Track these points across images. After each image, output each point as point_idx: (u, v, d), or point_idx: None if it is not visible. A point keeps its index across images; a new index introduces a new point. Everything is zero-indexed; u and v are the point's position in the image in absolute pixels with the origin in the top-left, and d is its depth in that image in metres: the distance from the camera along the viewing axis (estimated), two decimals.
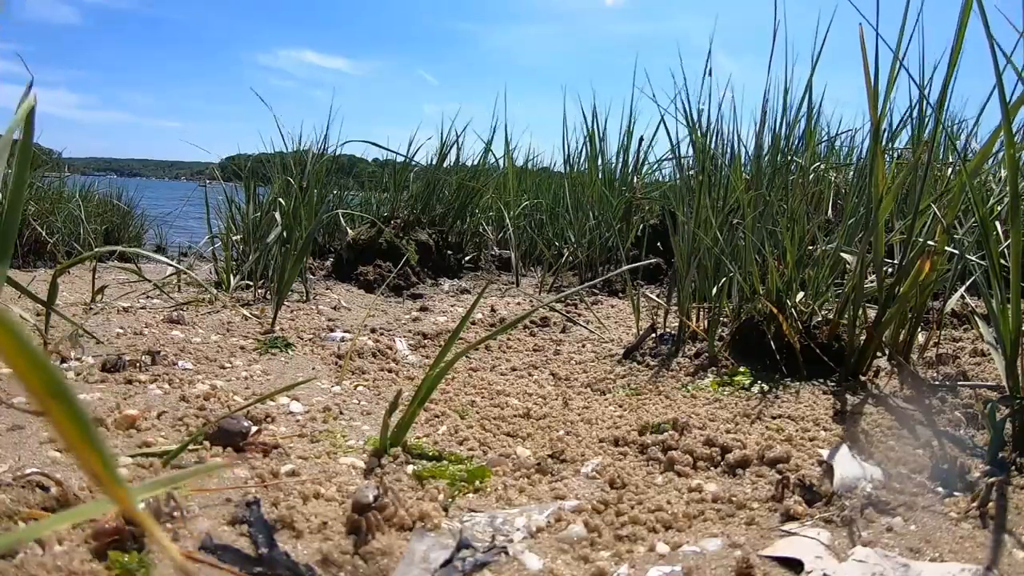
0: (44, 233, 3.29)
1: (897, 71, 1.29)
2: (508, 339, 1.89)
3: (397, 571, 0.71)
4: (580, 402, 1.34)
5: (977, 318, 1.30)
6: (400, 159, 3.46)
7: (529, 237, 3.58)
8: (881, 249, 1.33)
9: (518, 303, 2.53)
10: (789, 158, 1.89)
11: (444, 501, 0.88)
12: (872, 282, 1.38)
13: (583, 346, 1.84)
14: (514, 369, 1.61)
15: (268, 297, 2.36)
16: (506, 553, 0.76)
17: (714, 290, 1.64)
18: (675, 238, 1.78)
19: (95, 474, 0.29)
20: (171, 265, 2.37)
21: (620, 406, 1.31)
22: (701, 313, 1.73)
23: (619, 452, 1.07)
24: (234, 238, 2.82)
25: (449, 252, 3.23)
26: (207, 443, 1.00)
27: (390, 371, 1.56)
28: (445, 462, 1.00)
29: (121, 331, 1.69)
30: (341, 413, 1.24)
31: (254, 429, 1.04)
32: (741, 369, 1.45)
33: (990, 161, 2.08)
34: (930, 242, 1.27)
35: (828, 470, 0.94)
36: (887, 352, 1.41)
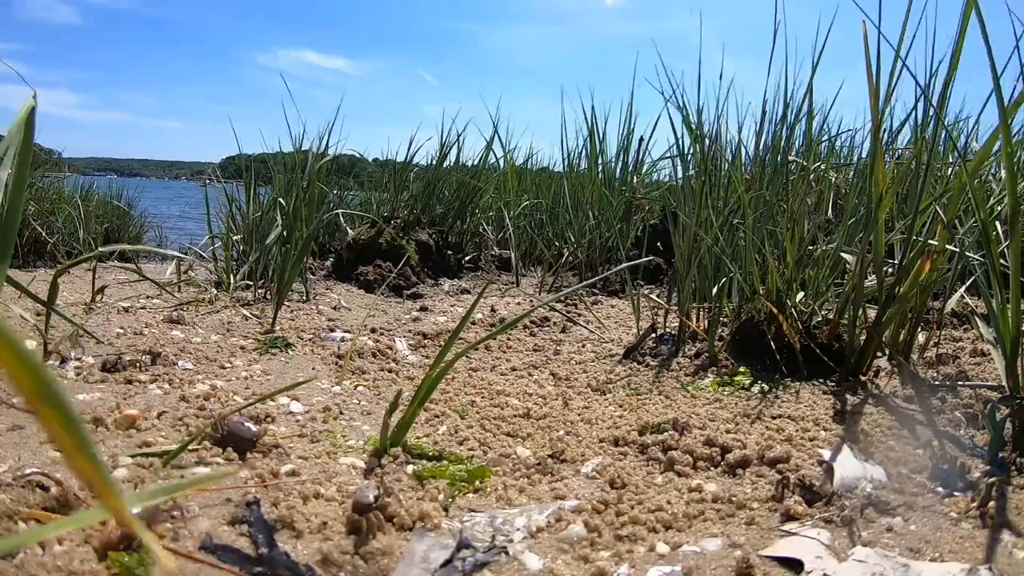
0: (44, 233, 3.29)
1: (899, 71, 1.29)
2: (508, 339, 1.89)
3: (397, 571, 0.71)
4: (580, 402, 1.34)
5: (977, 318, 1.30)
6: (400, 159, 3.47)
7: (529, 237, 3.58)
8: (881, 249, 1.33)
9: (518, 303, 2.53)
10: (789, 158, 1.90)
11: (444, 501, 0.88)
12: (872, 282, 1.38)
13: (583, 346, 1.84)
14: (514, 369, 1.61)
15: (268, 297, 2.36)
16: (506, 553, 0.76)
17: (714, 290, 1.64)
18: (675, 238, 1.78)
19: (87, 479, 0.29)
20: (174, 255, 2.37)
21: (620, 406, 1.31)
22: (701, 313, 1.73)
23: (619, 452, 1.07)
24: (234, 238, 2.82)
25: (449, 252, 3.23)
26: (207, 443, 1.00)
27: (390, 371, 1.56)
28: (445, 462, 1.00)
29: (121, 331, 1.69)
30: (341, 413, 1.24)
31: (260, 433, 1.04)
32: (741, 369, 1.45)
33: (994, 166, 2.08)
34: (931, 241, 1.27)
35: (828, 470, 0.94)
36: (887, 352, 1.41)
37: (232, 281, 2.49)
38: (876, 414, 1.19)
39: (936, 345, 1.65)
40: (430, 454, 1.03)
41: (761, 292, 1.52)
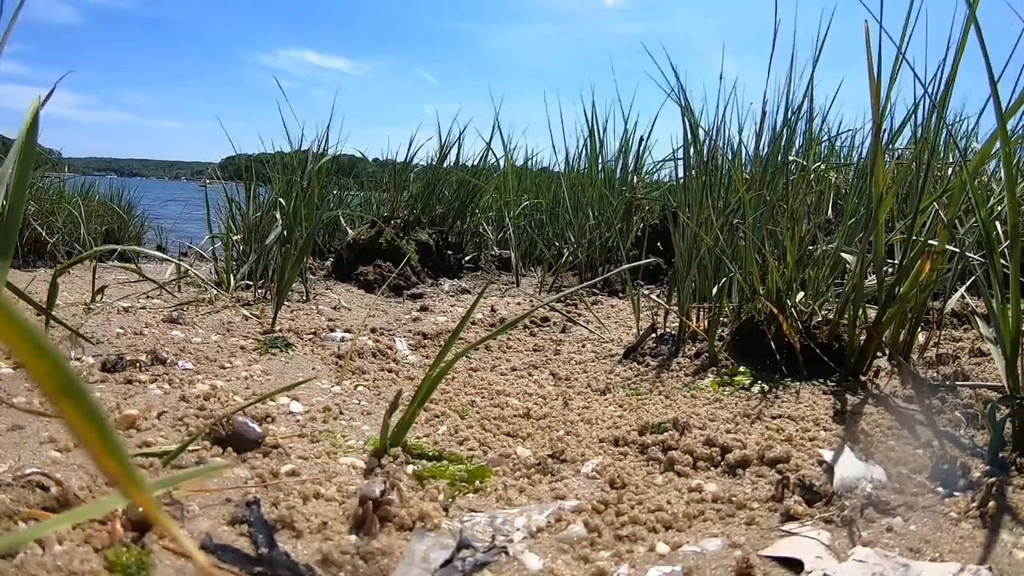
0: (44, 233, 3.29)
1: (899, 66, 1.29)
2: (508, 339, 1.89)
3: (397, 571, 0.71)
4: (580, 402, 1.34)
5: (977, 318, 1.30)
6: (400, 159, 3.47)
7: (529, 237, 3.58)
8: (881, 249, 1.33)
9: (518, 303, 2.53)
10: (789, 158, 1.90)
11: (444, 501, 0.88)
12: (872, 282, 1.38)
13: (583, 346, 1.84)
14: (514, 369, 1.61)
15: (268, 297, 2.36)
16: (506, 553, 0.76)
17: (714, 290, 1.64)
18: (675, 238, 1.78)
19: (112, 474, 0.29)
20: (173, 261, 2.38)
21: (620, 406, 1.31)
22: (701, 313, 1.73)
23: (619, 452, 1.07)
24: (234, 238, 2.82)
25: (449, 252, 3.23)
26: (206, 443, 1.00)
27: (390, 371, 1.56)
28: (445, 462, 1.00)
29: (121, 331, 1.69)
30: (341, 413, 1.24)
31: (264, 434, 1.04)
32: (741, 369, 1.45)
33: (993, 164, 2.08)
34: (931, 241, 1.27)
35: (828, 470, 0.94)
36: (887, 352, 1.41)
37: (232, 281, 2.49)
38: (876, 414, 1.19)
39: (936, 345, 1.65)
40: (430, 454, 1.03)
41: (761, 292, 1.52)
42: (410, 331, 1.97)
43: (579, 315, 2.28)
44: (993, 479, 0.88)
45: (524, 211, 3.56)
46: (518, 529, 0.81)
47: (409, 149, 3.51)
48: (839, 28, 1.67)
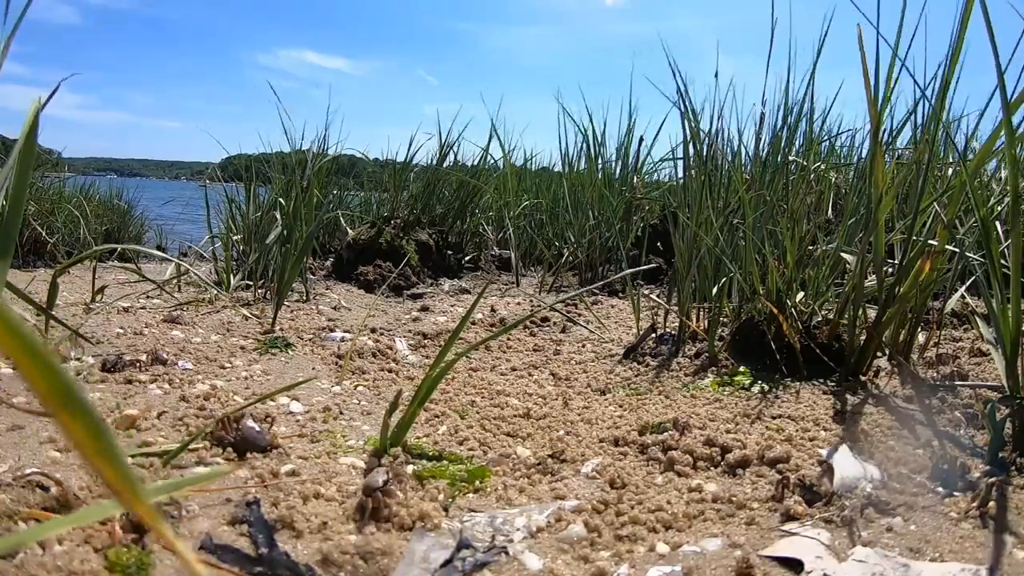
0: (44, 233, 3.29)
1: (898, 70, 1.29)
2: (508, 339, 1.89)
3: (397, 571, 0.71)
4: (580, 402, 1.34)
5: (977, 318, 1.30)
6: (400, 159, 3.47)
7: (529, 237, 3.58)
8: (881, 249, 1.33)
9: (518, 303, 2.53)
10: (789, 158, 1.90)
11: (444, 501, 0.88)
12: (872, 282, 1.38)
13: (583, 346, 1.84)
14: (514, 369, 1.61)
15: (268, 297, 2.36)
16: (506, 553, 0.76)
17: (714, 290, 1.64)
18: (675, 238, 1.78)
19: (108, 479, 0.29)
20: (173, 260, 2.38)
21: (620, 406, 1.31)
22: (701, 313, 1.73)
23: (619, 452, 1.07)
24: (234, 238, 2.82)
25: (449, 252, 3.23)
26: (206, 443, 1.00)
27: (390, 371, 1.56)
28: (445, 462, 1.00)
29: (121, 331, 1.69)
30: (341, 413, 1.24)
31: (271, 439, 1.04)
32: (741, 369, 1.45)
33: (993, 163, 2.08)
34: (931, 241, 1.27)
35: (828, 470, 0.94)
36: (887, 352, 1.41)
37: (232, 281, 2.49)
38: (876, 414, 1.19)
39: (936, 345, 1.65)
40: (430, 454, 1.03)
41: (761, 292, 1.52)
42: (410, 331, 1.97)
43: (579, 315, 2.28)
44: (993, 479, 0.88)
45: (524, 211, 3.56)
46: (518, 529, 0.81)
47: (409, 149, 3.52)
48: (840, 28, 1.67)
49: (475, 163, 3.65)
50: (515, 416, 1.24)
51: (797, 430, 1.13)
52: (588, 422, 1.21)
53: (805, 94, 1.85)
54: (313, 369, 1.54)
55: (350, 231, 3.13)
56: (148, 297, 2.23)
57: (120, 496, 0.30)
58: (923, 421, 1.16)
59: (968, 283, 1.63)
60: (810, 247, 1.56)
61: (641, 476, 0.99)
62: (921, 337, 1.56)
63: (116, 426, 1.07)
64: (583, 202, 3.21)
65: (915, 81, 1.29)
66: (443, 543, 0.76)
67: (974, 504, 0.85)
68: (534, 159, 4.27)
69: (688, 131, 1.85)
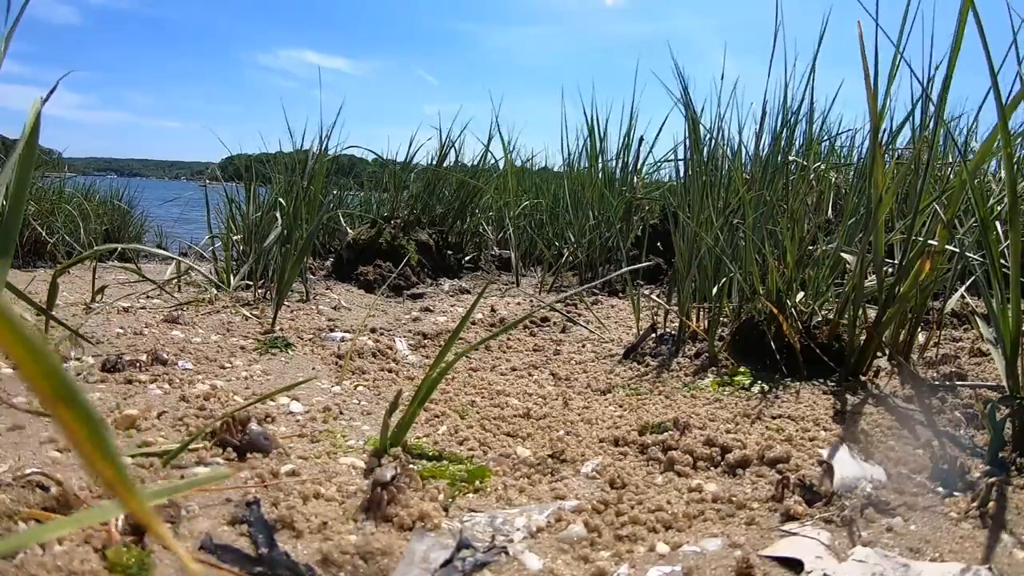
0: (44, 233, 3.29)
1: (897, 66, 1.29)
2: (508, 339, 1.89)
3: (397, 571, 0.71)
4: (580, 402, 1.34)
5: (977, 318, 1.30)
6: (400, 159, 3.47)
7: (529, 237, 3.58)
8: (881, 249, 1.33)
9: (518, 303, 2.53)
10: (789, 158, 1.90)
11: (444, 501, 0.88)
12: (872, 282, 1.38)
13: (583, 346, 1.84)
14: (514, 369, 1.61)
15: (268, 297, 2.36)
16: (506, 553, 0.76)
17: (714, 290, 1.64)
18: (675, 238, 1.78)
19: (107, 480, 0.29)
20: (174, 259, 2.38)
21: (620, 406, 1.31)
22: (701, 313, 1.73)
23: (619, 452, 1.07)
24: (234, 238, 2.82)
25: (449, 252, 3.23)
26: (206, 443, 1.00)
27: (390, 371, 1.56)
28: (445, 462, 1.00)
29: (121, 331, 1.69)
30: (341, 413, 1.24)
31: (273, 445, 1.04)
32: (741, 369, 1.45)
33: (993, 163, 2.08)
34: (931, 241, 1.27)
35: (828, 470, 0.94)
36: (887, 352, 1.41)
37: (232, 281, 2.49)
38: (876, 414, 1.19)
39: (936, 345, 1.65)
40: (430, 454, 1.03)
41: (761, 292, 1.52)
42: (410, 331, 1.97)
43: (579, 315, 2.28)
44: (993, 479, 0.88)
45: (524, 211, 3.56)
46: (518, 529, 0.81)
47: (409, 149, 3.52)
48: (840, 28, 1.67)
49: (475, 163, 3.65)
50: (515, 416, 1.24)
51: (797, 430, 1.13)
52: (588, 422, 1.21)
53: (805, 89, 1.85)
54: (313, 369, 1.54)
55: (350, 231, 3.13)
56: (148, 297, 2.23)
57: (118, 496, 0.30)
58: (923, 421, 1.16)
59: (968, 283, 1.63)
60: (810, 247, 1.56)
61: (641, 476, 0.99)
62: (921, 337, 1.57)
63: (116, 426, 1.07)
64: (583, 202, 3.21)
65: (915, 76, 1.29)
66: (443, 543, 0.76)
67: (974, 504, 0.85)
68: (534, 159, 4.28)
69: (689, 131, 1.86)
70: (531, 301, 2.57)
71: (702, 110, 1.90)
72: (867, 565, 0.72)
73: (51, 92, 1.13)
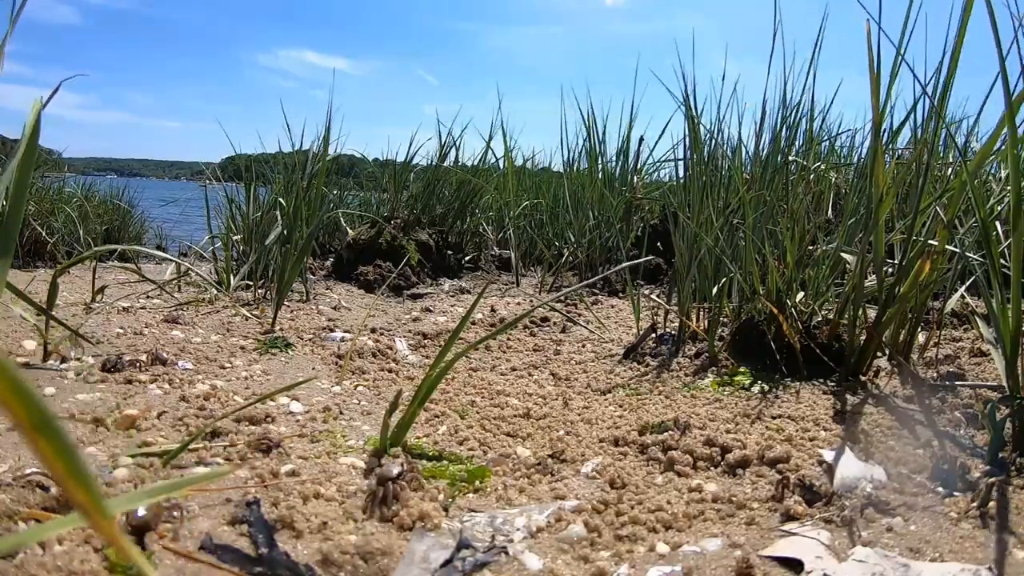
0: (44, 233, 3.29)
1: (898, 67, 1.29)
2: (508, 339, 1.89)
3: (397, 571, 0.71)
4: (580, 402, 1.34)
5: (977, 318, 1.30)
6: (400, 159, 3.47)
7: (529, 237, 3.58)
8: (881, 249, 1.33)
9: (518, 303, 2.53)
10: (789, 158, 1.90)
11: (444, 501, 0.88)
12: (872, 282, 1.38)
13: (583, 346, 1.84)
14: (514, 369, 1.61)
15: (268, 297, 2.36)
16: (506, 553, 0.76)
17: (714, 290, 1.64)
18: (675, 238, 1.78)
19: (80, 505, 0.30)
20: (174, 260, 2.38)
21: (620, 406, 1.31)
22: (701, 313, 1.73)
23: (619, 452, 1.07)
24: (234, 238, 2.82)
25: (449, 252, 3.23)
26: (206, 443, 1.00)
27: (390, 371, 1.56)
28: (445, 462, 1.00)
29: (121, 331, 1.69)
30: (341, 413, 1.24)
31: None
32: (741, 369, 1.45)
33: (994, 165, 2.08)
34: (931, 241, 1.27)
35: (828, 470, 0.94)
36: (887, 352, 1.41)
37: (232, 281, 2.49)
38: (876, 414, 1.19)
39: (936, 345, 1.64)
40: (430, 454, 1.03)
41: (761, 292, 1.52)
42: (410, 331, 1.97)
43: (579, 315, 2.28)
44: (993, 479, 0.88)
45: (524, 211, 3.56)
46: (518, 529, 0.81)
47: (409, 149, 3.51)
48: (839, 28, 1.67)
49: (475, 162, 3.65)
50: (515, 416, 1.24)
51: (797, 430, 1.13)
52: (588, 422, 1.21)
53: (804, 86, 1.85)
54: (313, 369, 1.54)
55: (350, 231, 3.13)
56: (148, 297, 2.23)
57: (87, 516, 0.31)
58: (923, 421, 1.16)
59: (968, 283, 1.63)
60: (810, 247, 1.56)
61: (641, 476, 0.99)
62: (921, 337, 1.56)
63: (116, 426, 1.07)
64: (583, 202, 3.21)
65: (915, 76, 1.29)
66: (443, 543, 0.76)
67: (974, 504, 0.85)
68: (534, 158, 4.28)
69: (689, 130, 1.86)
70: (531, 301, 2.57)
71: (702, 110, 1.89)
72: (867, 565, 0.72)
73: (52, 94, 1.13)
